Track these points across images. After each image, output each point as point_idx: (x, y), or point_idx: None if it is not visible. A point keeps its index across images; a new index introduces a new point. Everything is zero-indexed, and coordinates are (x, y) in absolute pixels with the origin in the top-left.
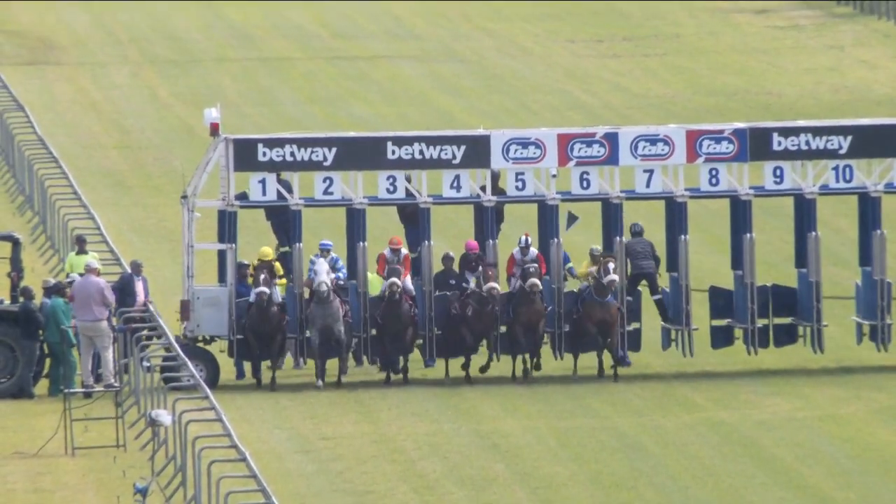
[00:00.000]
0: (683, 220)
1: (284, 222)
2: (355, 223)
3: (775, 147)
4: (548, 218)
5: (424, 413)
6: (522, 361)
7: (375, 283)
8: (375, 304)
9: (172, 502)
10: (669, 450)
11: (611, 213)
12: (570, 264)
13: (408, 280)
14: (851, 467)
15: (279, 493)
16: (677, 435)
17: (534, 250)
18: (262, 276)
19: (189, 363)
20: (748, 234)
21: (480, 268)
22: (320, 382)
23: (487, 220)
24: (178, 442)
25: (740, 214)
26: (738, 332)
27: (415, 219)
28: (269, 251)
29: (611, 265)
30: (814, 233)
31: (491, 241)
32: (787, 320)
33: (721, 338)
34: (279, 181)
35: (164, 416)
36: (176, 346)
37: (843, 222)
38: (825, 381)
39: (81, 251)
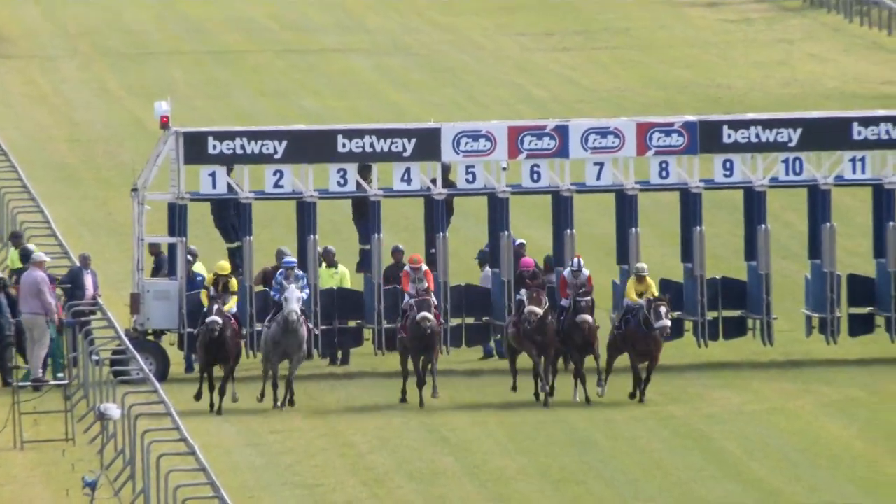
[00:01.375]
0: (633, 212)
1: (227, 218)
2: (306, 216)
3: (725, 140)
4: (498, 211)
5: (374, 407)
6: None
7: (325, 277)
8: (327, 295)
9: (121, 496)
10: (619, 443)
11: (561, 206)
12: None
13: (433, 298)
14: (800, 460)
15: (228, 486)
16: (627, 428)
17: (586, 272)
18: (216, 307)
19: (138, 356)
20: (698, 227)
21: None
22: (278, 404)
23: (438, 213)
24: (127, 435)
25: (690, 207)
26: (688, 325)
27: (364, 211)
28: (226, 265)
29: (662, 309)
30: (763, 226)
31: (441, 233)
32: (737, 313)
33: (672, 330)
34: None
35: (113, 410)
36: (125, 339)
37: (792, 215)
38: (774, 375)
39: (17, 245)
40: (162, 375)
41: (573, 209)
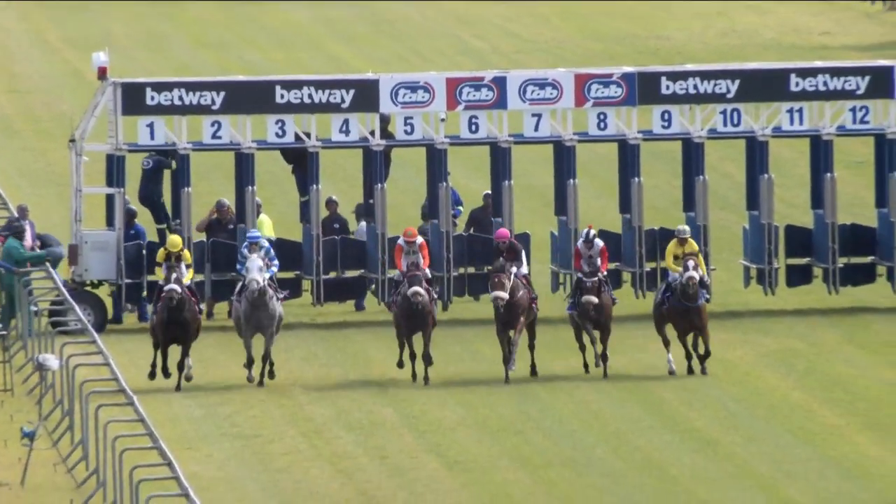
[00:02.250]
0: (572, 164)
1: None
2: (244, 167)
3: (663, 91)
4: (436, 162)
5: (313, 357)
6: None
7: (265, 224)
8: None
9: (60, 446)
10: (557, 394)
11: (499, 157)
12: (460, 207)
13: (427, 271)
14: (738, 410)
15: (167, 437)
16: (566, 380)
17: (599, 242)
18: (174, 275)
19: (77, 307)
20: (636, 179)
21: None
22: (253, 373)
23: (376, 165)
24: (65, 386)
25: (628, 158)
26: (627, 276)
27: (302, 162)
28: (177, 241)
29: (690, 262)
30: (701, 177)
31: (379, 184)
32: None
33: (610, 281)
34: (162, 159)
35: (52, 361)
36: (63, 290)
37: (730, 166)
38: (712, 325)
39: None
40: (100, 326)
41: (511, 160)
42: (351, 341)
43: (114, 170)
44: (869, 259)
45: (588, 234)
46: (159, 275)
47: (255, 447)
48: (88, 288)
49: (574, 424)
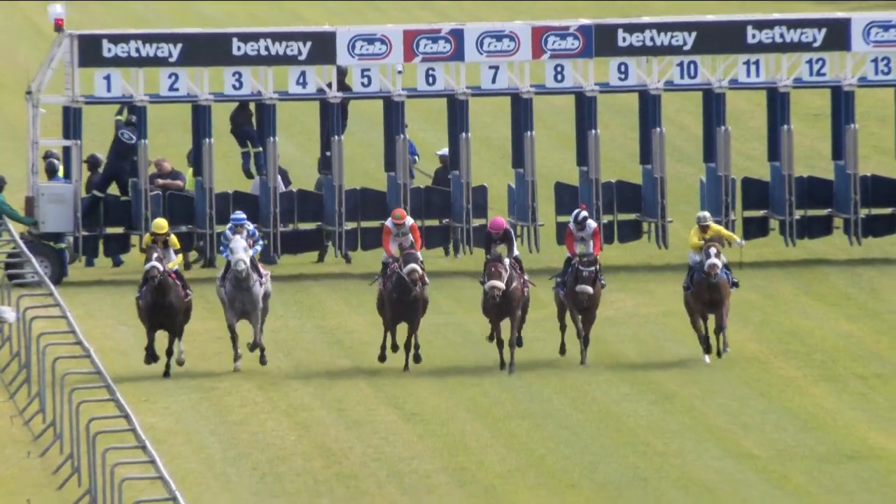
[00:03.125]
0: (529, 116)
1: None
2: (201, 120)
3: (620, 43)
4: (393, 114)
5: (269, 310)
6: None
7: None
8: (222, 198)
9: (17, 399)
10: (515, 349)
11: (456, 110)
12: (416, 157)
13: (419, 254)
14: (695, 363)
15: (124, 389)
16: (523, 332)
17: (591, 223)
18: (155, 254)
19: (33, 260)
20: (593, 131)
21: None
22: (238, 364)
23: (333, 117)
24: (22, 338)
25: (585, 111)
26: None
27: (246, 119)
28: (163, 223)
29: (712, 250)
30: (658, 129)
31: (336, 137)
32: (632, 216)
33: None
34: (126, 125)
35: (9, 313)
36: (20, 242)
37: (687, 118)
38: (669, 277)
39: None
40: (57, 279)
41: (468, 113)
42: (308, 294)
43: (70, 122)
44: (826, 211)
45: (578, 215)
46: (143, 260)
47: (212, 399)
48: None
49: (530, 378)
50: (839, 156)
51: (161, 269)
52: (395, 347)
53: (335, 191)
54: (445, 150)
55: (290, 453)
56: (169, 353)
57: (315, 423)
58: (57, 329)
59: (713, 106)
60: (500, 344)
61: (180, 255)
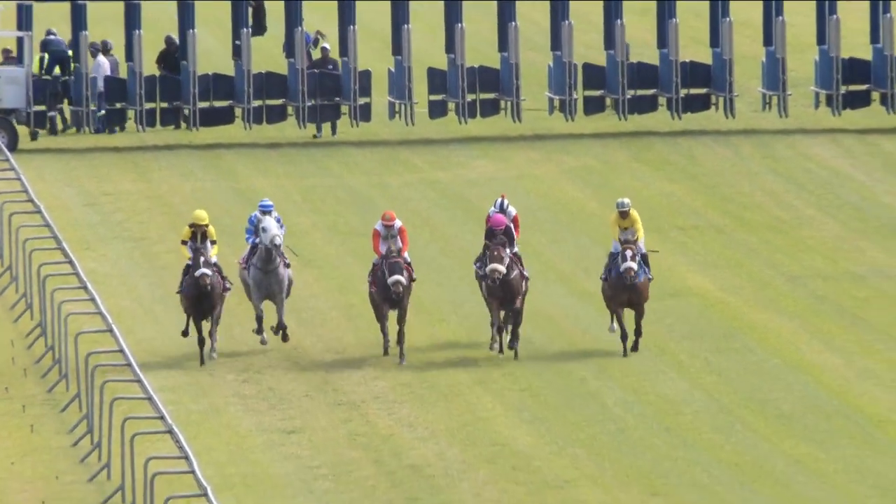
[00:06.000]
0: (406, 12)
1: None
2: (132, 16)
3: None
4: (293, 11)
5: (190, 173)
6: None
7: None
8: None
9: None
10: (394, 203)
11: (345, 8)
12: (312, 45)
13: (407, 255)
14: (544, 217)
15: (69, 238)
16: (400, 192)
17: (512, 210)
18: (202, 258)
19: None
20: (459, 24)
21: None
22: (265, 336)
23: (243, 13)
24: None
25: (453, 7)
26: (451, 105)
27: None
28: (203, 215)
29: (628, 253)
30: (513, 23)
31: (245, 28)
32: (492, 95)
33: (437, 110)
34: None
35: None
36: None
37: (537, 15)
38: (522, 146)
39: None
40: (12, 146)
41: (356, 9)
42: (222, 159)
43: (23, 17)
44: (652, 91)
45: (498, 202)
46: (184, 253)
47: (143, 248)
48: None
49: (409, 231)
50: (663, 45)
51: (210, 275)
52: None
53: (245, 74)
54: (327, 45)
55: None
56: (201, 343)
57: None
58: (12, 189)
59: (559, 5)
60: (500, 330)
61: (216, 246)
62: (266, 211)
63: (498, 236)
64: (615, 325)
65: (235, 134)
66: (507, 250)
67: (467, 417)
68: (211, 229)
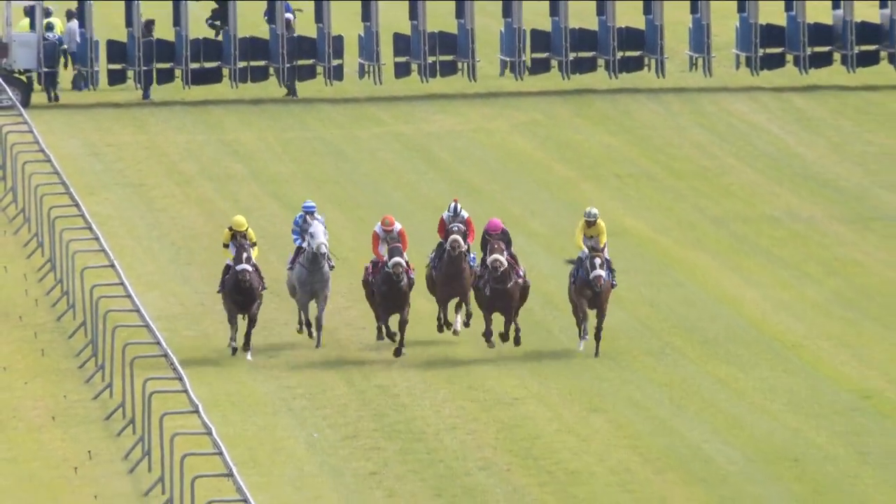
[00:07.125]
0: None
1: None
2: None
3: None
4: None
5: (183, 127)
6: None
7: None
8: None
9: None
10: (363, 155)
11: None
12: (293, 15)
13: (405, 255)
14: (496, 167)
15: (75, 184)
16: (369, 143)
17: (464, 213)
18: (245, 255)
19: (7, 88)
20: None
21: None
22: (311, 331)
23: None
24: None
25: None
26: (414, 66)
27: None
28: (242, 220)
29: (597, 261)
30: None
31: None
32: (450, 58)
33: (402, 70)
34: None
35: None
36: None
37: None
38: (478, 103)
39: None
40: (25, 103)
41: None
42: (211, 115)
43: None
44: (592, 54)
45: (452, 207)
46: (227, 255)
47: (140, 193)
48: (16, 75)
49: (376, 177)
50: (602, 12)
51: (250, 271)
52: (391, 335)
53: (231, 39)
54: (289, 15)
55: (200, 233)
56: (248, 336)
57: (217, 212)
58: (24, 140)
59: None
60: (489, 336)
61: (256, 248)
62: (310, 212)
63: (491, 247)
64: (583, 340)
65: (223, 92)
66: (506, 253)
67: (428, 345)
68: (250, 232)
